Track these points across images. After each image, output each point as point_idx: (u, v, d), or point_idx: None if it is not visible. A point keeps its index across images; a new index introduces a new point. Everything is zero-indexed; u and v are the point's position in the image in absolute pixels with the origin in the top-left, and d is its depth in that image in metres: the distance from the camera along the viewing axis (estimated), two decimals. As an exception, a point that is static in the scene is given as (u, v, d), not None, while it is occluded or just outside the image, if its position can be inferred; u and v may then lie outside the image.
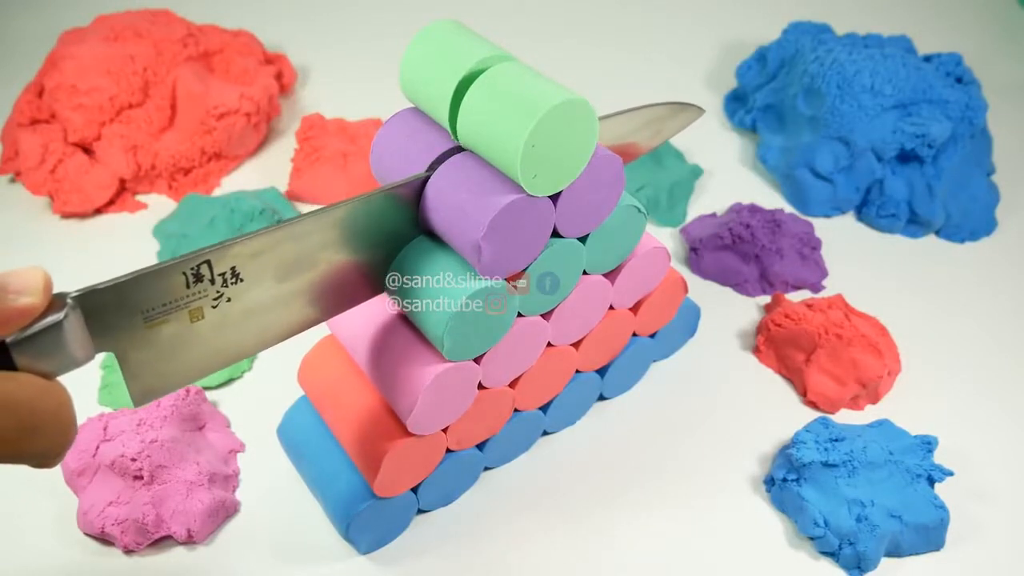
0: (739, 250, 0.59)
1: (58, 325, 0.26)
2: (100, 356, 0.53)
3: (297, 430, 0.45)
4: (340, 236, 0.35)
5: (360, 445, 0.40)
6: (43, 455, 0.25)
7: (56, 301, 0.26)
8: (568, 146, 0.35)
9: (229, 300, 0.32)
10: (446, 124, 0.37)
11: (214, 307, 0.31)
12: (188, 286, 0.30)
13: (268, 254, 0.32)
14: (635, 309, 0.48)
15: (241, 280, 0.32)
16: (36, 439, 0.24)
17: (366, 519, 0.41)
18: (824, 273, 0.60)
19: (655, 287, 0.48)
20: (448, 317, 0.36)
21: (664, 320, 0.51)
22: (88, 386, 0.51)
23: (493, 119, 0.34)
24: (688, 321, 0.54)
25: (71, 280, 0.59)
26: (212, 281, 0.31)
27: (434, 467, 0.42)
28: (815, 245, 0.61)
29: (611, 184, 0.39)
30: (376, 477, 0.39)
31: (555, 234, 0.39)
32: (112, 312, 0.28)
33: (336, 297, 0.36)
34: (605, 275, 0.44)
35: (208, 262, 0.30)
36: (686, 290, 0.50)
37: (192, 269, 0.30)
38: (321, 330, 0.47)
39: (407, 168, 0.38)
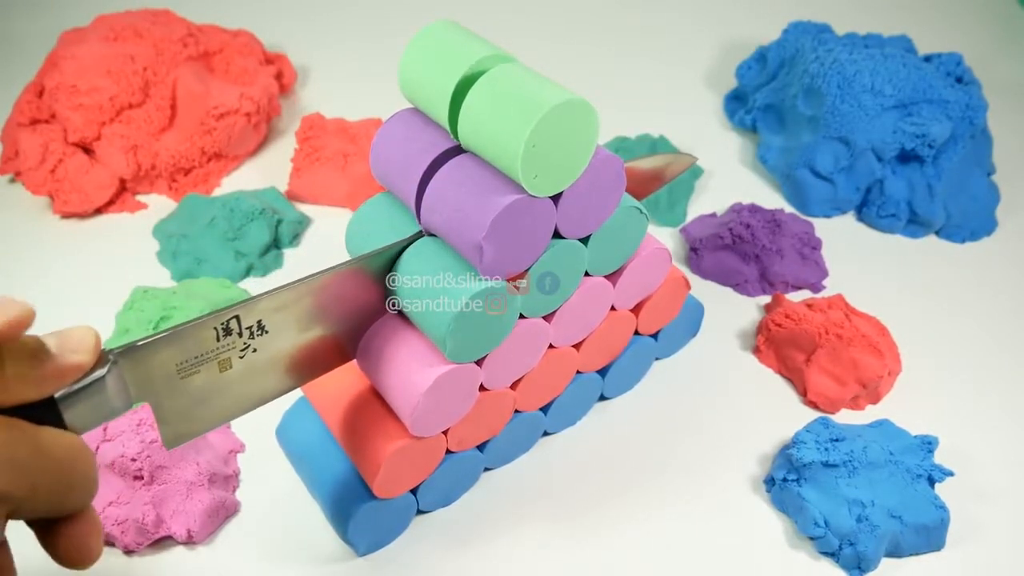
0: (739, 250, 0.59)
1: (101, 379, 0.27)
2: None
3: (296, 431, 0.45)
4: (355, 285, 0.38)
5: (360, 446, 0.40)
6: (78, 505, 0.26)
7: (100, 356, 0.27)
8: (569, 146, 0.35)
9: (255, 351, 0.34)
10: (445, 124, 0.37)
11: (241, 357, 0.34)
12: (218, 339, 0.32)
13: (291, 307, 0.35)
14: (637, 309, 0.48)
15: (266, 332, 0.34)
16: (72, 495, 0.25)
17: (365, 520, 0.41)
18: (824, 273, 0.60)
19: (657, 288, 0.48)
20: (450, 318, 0.36)
21: (667, 319, 0.51)
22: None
23: (494, 120, 0.34)
24: (691, 319, 0.54)
25: (72, 280, 0.59)
26: (240, 334, 0.33)
27: (434, 468, 0.42)
28: (815, 245, 0.61)
29: (612, 185, 0.39)
30: (376, 478, 0.39)
31: (556, 235, 0.39)
32: (150, 366, 0.30)
33: (352, 341, 0.40)
34: (607, 277, 0.44)
35: (237, 317, 0.33)
36: (688, 287, 0.50)
37: (222, 324, 0.32)
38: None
39: (407, 168, 0.38)
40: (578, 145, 0.35)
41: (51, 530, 0.26)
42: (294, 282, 0.35)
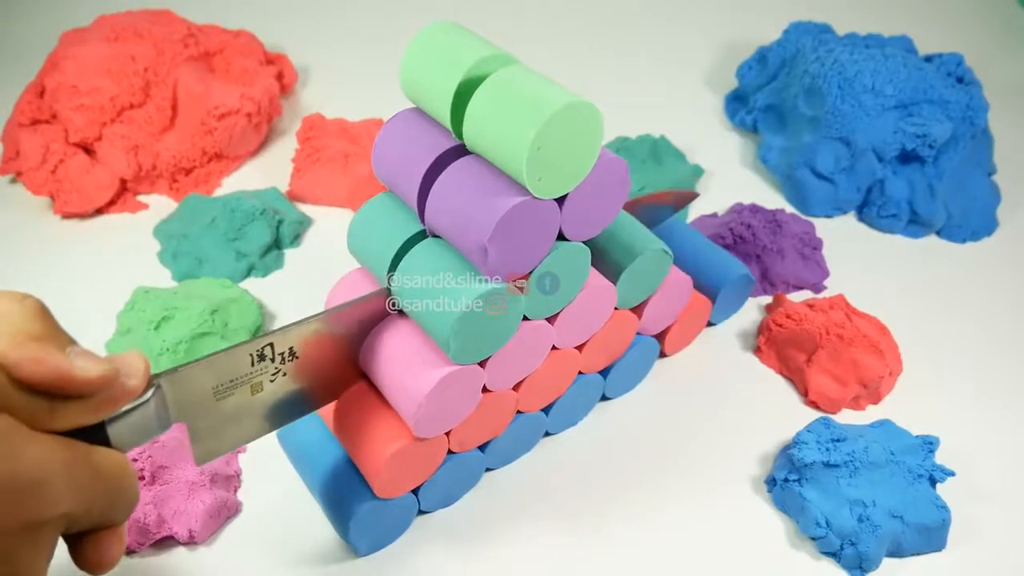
0: (740, 250, 0.59)
1: (146, 402, 0.29)
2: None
3: (297, 432, 0.45)
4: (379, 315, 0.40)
5: (362, 447, 0.40)
6: (121, 517, 0.27)
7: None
8: (574, 149, 0.35)
9: (284, 375, 0.37)
10: (447, 124, 0.37)
11: (272, 380, 0.36)
12: (252, 364, 0.35)
13: (321, 334, 0.38)
14: (639, 309, 0.48)
15: (296, 357, 0.37)
16: (117, 511, 0.27)
17: (366, 520, 0.41)
18: (825, 273, 0.60)
19: (679, 312, 0.51)
20: (454, 319, 0.36)
21: (671, 317, 0.51)
22: (89, 386, 0.51)
23: (499, 122, 0.34)
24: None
25: (73, 280, 0.59)
26: (273, 359, 0.36)
27: (436, 469, 0.42)
28: (816, 245, 0.61)
29: (616, 187, 0.39)
30: (378, 479, 0.39)
31: (560, 237, 0.39)
32: (189, 389, 0.32)
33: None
34: (632, 309, 0.48)
35: (271, 344, 0.35)
36: (692, 287, 0.51)
37: (257, 351, 0.35)
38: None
39: (409, 168, 0.38)
40: (583, 147, 0.35)
41: (82, 538, 0.27)
42: (323, 312, 0.37)
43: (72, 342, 0.26)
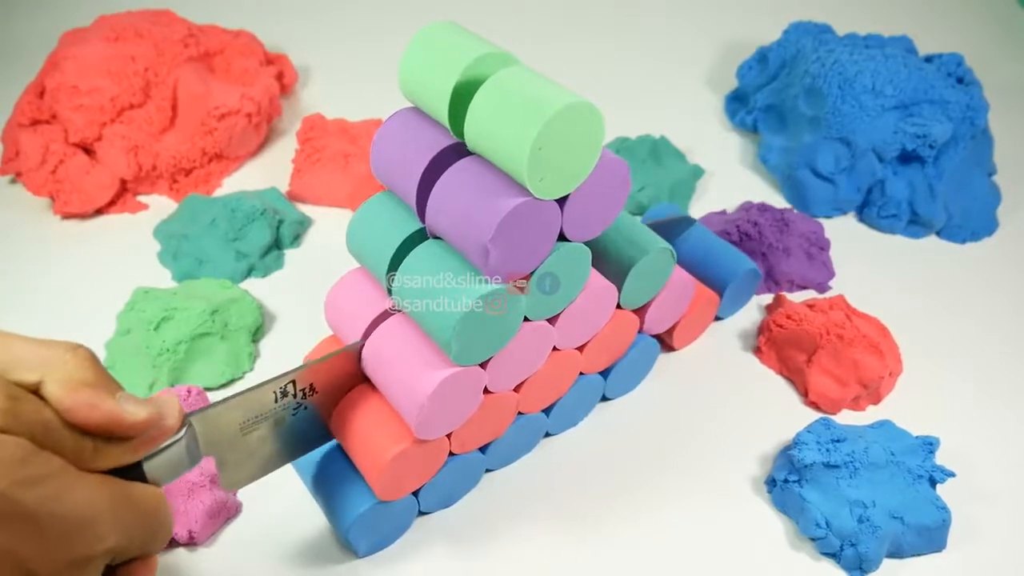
0: (746, 247, 0.59)
1: (179, 440, 0.30)
2: (101, 357, 0.53)
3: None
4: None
5: (363, 448, 0.40)
6: (157, 549, 0.29)
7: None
8: (575, 149, 0.35)
9: (305, 408, 0.39)
10: (446, 122, 0.37)
11: (294, 415, 0.39)
12: (276, 400, 0.37)
13: (339, 371, 0.40)
14: (643, 309, 0.48)
15: (316, 392, 0.39)
16: (155, 543, 0.29)
17: (366, 522, 0.41)
18: (831, 274, 0.60)
19: (683, 312, 0.52)
20: (456, 320, 0.36)
21: (674, 318, 0.51)
22: (89, 387, 0.51)
23: (500, 122, 0.34)
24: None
25: (73, 281, 0.59)
26: (295, 395, 0.38)
27: (437, 470, 0.42)
28: (823, 245, 0.60)
29: (617, 189, 0.39)
30: (379, 481, 0.39)
31: (562, 238, 0.39)
32: (218, 426, 0.35)
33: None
34: (636, 310, 0.48)
35: (293, 382, 0.38)
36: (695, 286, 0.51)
37: (280, 388, 0.37)
38: (323, 330, 0.47)
39: (407, 167, 0.38)
40: (584, 148, 0.35)
41: (116, 570, 0.28)
42: (342, 349, 0.40)
43: (119, 388, 0.28)
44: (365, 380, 0.42)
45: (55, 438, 0.25)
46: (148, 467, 0.29)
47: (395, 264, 0.40)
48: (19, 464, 0.24)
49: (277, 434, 0.38)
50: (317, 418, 0.41)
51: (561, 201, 0.37)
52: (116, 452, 0.27)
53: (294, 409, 0.39)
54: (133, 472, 0.29)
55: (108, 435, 0.27)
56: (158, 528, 0.28)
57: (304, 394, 0.39)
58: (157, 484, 0.30)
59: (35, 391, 0.26)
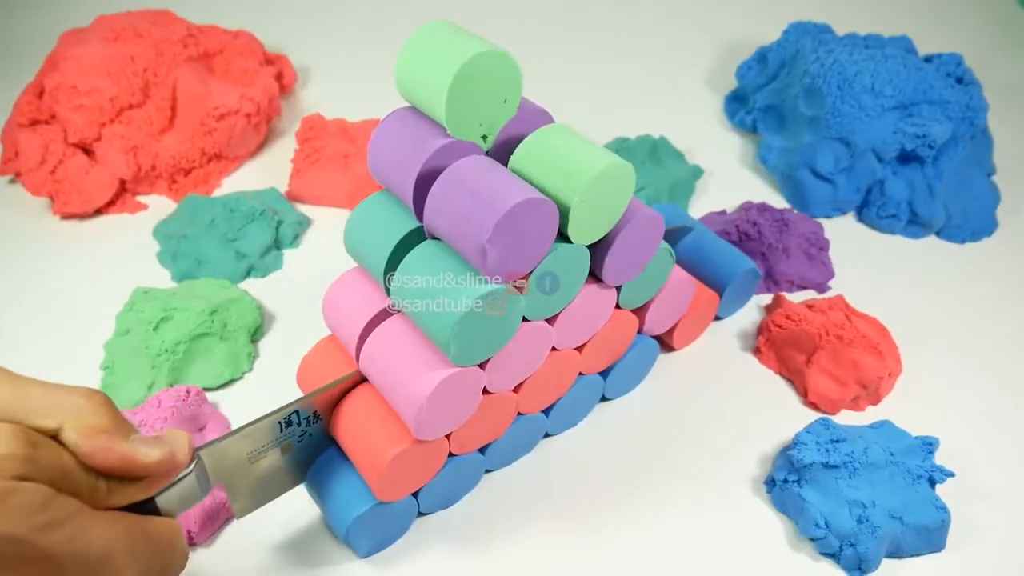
0: (745, 247, 0.59)
1: (189, 474, 0.32)
2: (100, 357, 0.53)
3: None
4: None
5: (362, 449, 0.40)
6: None
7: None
8: (607, 203, 0.39)
9: (311, 435, 0.41)
10: (443, 121, 0.37)
11: (299, 441, 0.40)
12: (281, 430, 0.39)
13: (343, 400, 0.41)
14: (643, 310, 0.48)
15: (319, 420, 0.41)
16: (168, 571, 0.30)
17: (366, 523, 0.41)
18: (831, 274, 0.60)
19: (683, 313, 0.52)
20: (455, 320, 0.36)
21: (675, 318, 0.51)
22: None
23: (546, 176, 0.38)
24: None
25: (72, 281, 0.59)
26: (299, 424, 0.40)
27: (436, 471, 0.42)
28: (823, 246, 0.60)
29: (651, 241, 0.43)
30: (378, 482, 0.39)
31: (563, 239, 0.39)
32: (226, 457, 0.36)
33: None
34: (636, 310, 0.48)
35: (297, 412, 0.39)
36: (695, 286, 0.51)
37: (285, 418, 0.39)
38: (322, 330, 0.47)
39: (404, 165, 0.38)
40: (616, 200, 0.39)
41: None
42: (346, 376, 0.41)
43: (134, 430, 0.29)
44: (364, 382, 0.42)
45: (72, 481, 0.27)
46: (161, 500, 0.30)
47: (392, 263, 0.40)
48: (39, 510, 0.25)
49: (285, 460, 0.40)
50: (324, 438, 0.42)
51: (599, 248, 0.41)
52: (130, 491, 0.29)
53: (299, 437, 0.40)
54: (147, 506, 0.30)
55: (123, 476, 0.28)
56: (173, 558, 0.30)
57: (308, 422, 0.40)
58: (171, 515, 0.31)
59: (53, 436, 0.27)
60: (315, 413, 0.40)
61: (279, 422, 0.38)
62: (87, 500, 0.27)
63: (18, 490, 0.24)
